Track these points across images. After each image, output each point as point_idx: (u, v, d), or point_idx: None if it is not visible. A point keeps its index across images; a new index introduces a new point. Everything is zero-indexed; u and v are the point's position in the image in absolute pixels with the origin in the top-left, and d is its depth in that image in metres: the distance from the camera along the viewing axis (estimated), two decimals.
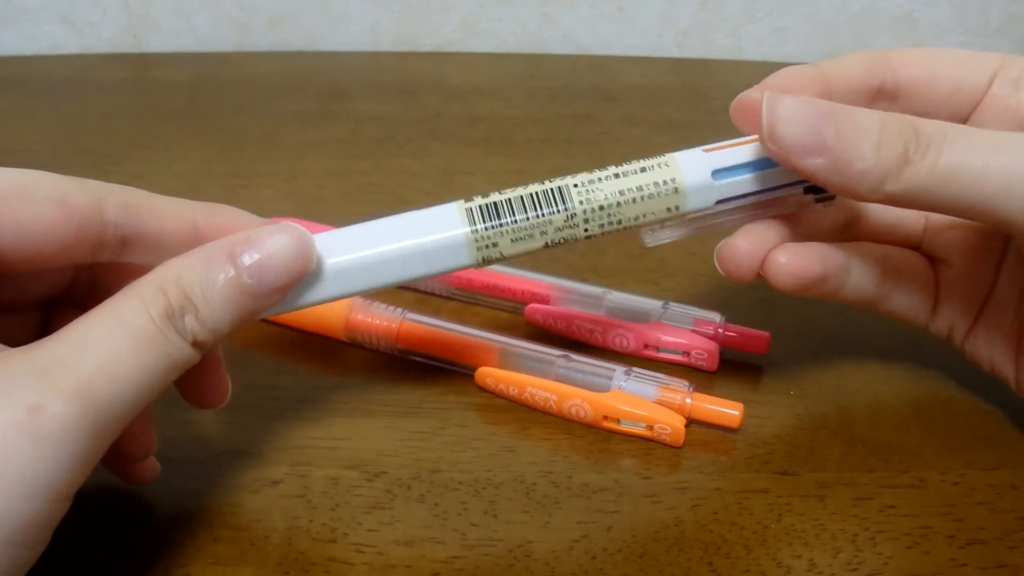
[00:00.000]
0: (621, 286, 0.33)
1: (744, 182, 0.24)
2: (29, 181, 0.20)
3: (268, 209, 0.34)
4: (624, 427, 0.28)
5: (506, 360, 0.30)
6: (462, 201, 0.24)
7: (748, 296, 0.33)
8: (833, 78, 0.25)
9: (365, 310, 0.31)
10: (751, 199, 0.25)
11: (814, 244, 0.26)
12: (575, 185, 0.24)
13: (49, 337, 0.19)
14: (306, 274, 0.22)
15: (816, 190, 0.25)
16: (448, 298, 0.34)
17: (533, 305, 0.33)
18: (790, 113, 0.23)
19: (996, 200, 0.22)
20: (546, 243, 0.24)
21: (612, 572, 0.24)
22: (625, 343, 0.31)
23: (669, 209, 0.24)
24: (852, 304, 0.27)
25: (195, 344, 0.20)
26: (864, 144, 0.22)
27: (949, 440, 0.28)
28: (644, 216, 0.24)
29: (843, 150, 0.22)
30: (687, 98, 0.52)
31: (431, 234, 0.23)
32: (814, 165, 0.23)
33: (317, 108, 0.50)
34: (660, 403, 0.28)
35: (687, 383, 0.28)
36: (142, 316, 0.19)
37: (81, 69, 0.55)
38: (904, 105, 0.26)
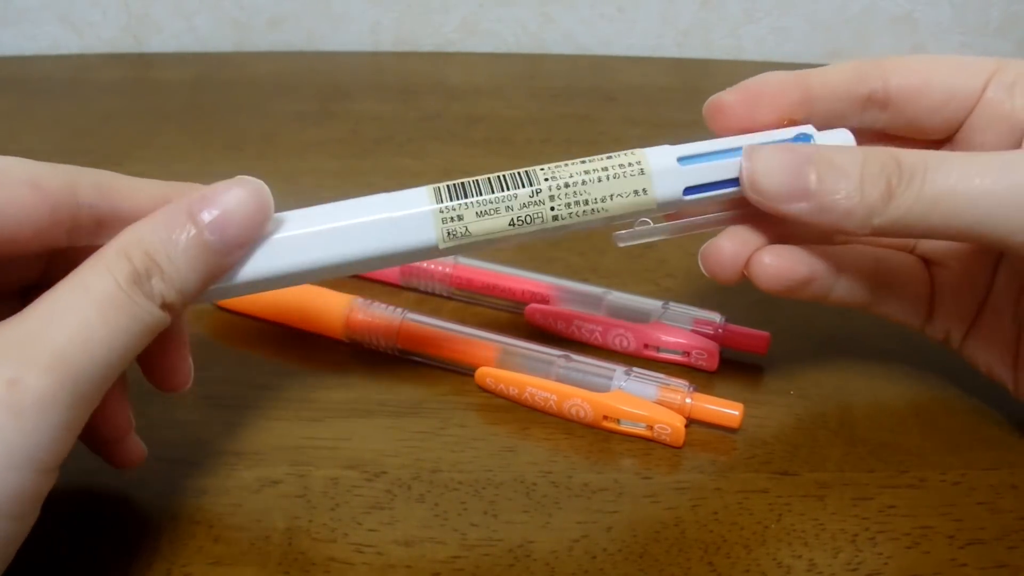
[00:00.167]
0: (621, 286, 0.33)
1: (711, 168, 0.24)
2: (0, 166, 0.21)
3: None
4: (624, 427, 0.28)
5: (506, 360, 0.30)
6: (432, 185, 0.24)
7: (748, 296, 0.33)
8: (815, 86, 0.25)
9: (365, 310, 0.31)
10: (722, 191, 0.24)
11: (801, 247, 0.26)
12: (541, 169, 0.24)
13: (19, 313, 0.19)
14: (266, 223, 0.22)
15: None
16: (448, 298, 0.34)
17: (533, 305, 0.33)
18: (769, 162, 0.23)
19: (985, 222, 0.22)
20: (512, 220, 0.23)
21: (612, 572, 0.24)
22: (625, 343, 0.31)
23: (636, 192, 0.24)
24: (847, 307, 0.27)
25: (164, 306, 0.21)
26: (847, 184, 0.23)
27: (949, 440, 0.28)
28: (612, 197, 0.24)
29: (825, 192, 0.23)
30: (687, 98, 0.51)
31: (396, 210, 0.23)
32: (799, 210, 0.23)
33: (317, 108, 0.50)
34: (660, 403, 0.28)
35: (687, 383, 0.28)
36: (108, 282, 0.20)
37: (81, 69, 0.55)
38: (895, 113, 0.26)
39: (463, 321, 0.31)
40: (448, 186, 0.24)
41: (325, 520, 0.25)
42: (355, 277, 0.35)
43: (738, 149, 0.24)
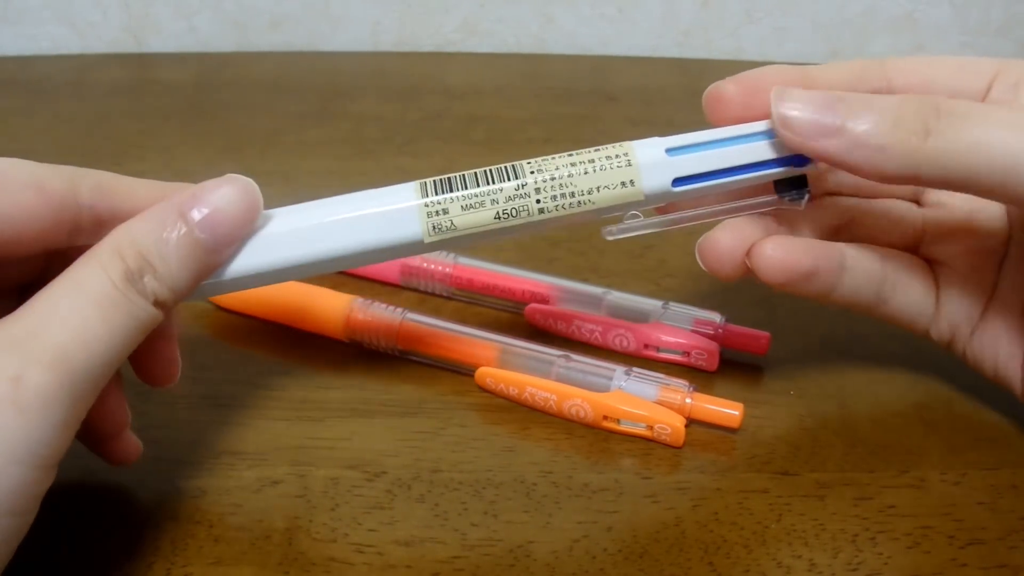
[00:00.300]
0: (621, 286, 0.33)
1: (701, 158, 0.24)
2: (4, 168, 0.21)
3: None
4: (624, 427, 0.28)
5: (506, 360, 0.30)
6: (419, 180, 0.24)
7: (748, 296, 0.33)
8: (818, 80, 0.25)
9: (365, 310, 0.31)
10: (713, 181, 0.24)
11: (805, 239, 0.25)
12: (528, 163, 0.24)
13: (18, 310, 0.20)
14: (256, 220, 0.22)
15: (786, 186, 0.25)
16: (448, 298, 0.34)
17: (533, 305, 0.33)
18: (801, 98, 0.23)
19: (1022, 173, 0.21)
20: (497, 213, 0.23)
21: (612, 572, 0.24)
22: (625, 343, 0.31)
23: (624, 183, 0.23)
24: (851, 308, 0.27)
25: (157, 304, 0.21)
26: (882, 118, 0.22)
27: (949, 440, 0.28)
28: (598, 189, 0.23)
29: (860, 128, 0.22)
30: (687, 98, 0.51)
31: (382, 205, 0.23)
32: (832, 146, 0.22)
33: (317, 108, 0.50)
34: (660, 403, 0.28)
35: (687, 383, 0.28)
36: (104, 281, 0.20)
37: (81, 69, 0.55)
38: None
39: (463, 321, 0.31)
40: (434, 181, 0.24)
41: (325, 520, 0.25)
42: (355, 277, 0.35)
43: (727, 139, 0.24)
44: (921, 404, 0.29)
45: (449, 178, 0.24)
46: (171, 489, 0.26)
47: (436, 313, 0.32)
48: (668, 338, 0.31)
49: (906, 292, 0.27)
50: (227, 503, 0.25)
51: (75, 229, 0.22)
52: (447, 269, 0.34)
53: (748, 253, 0.25)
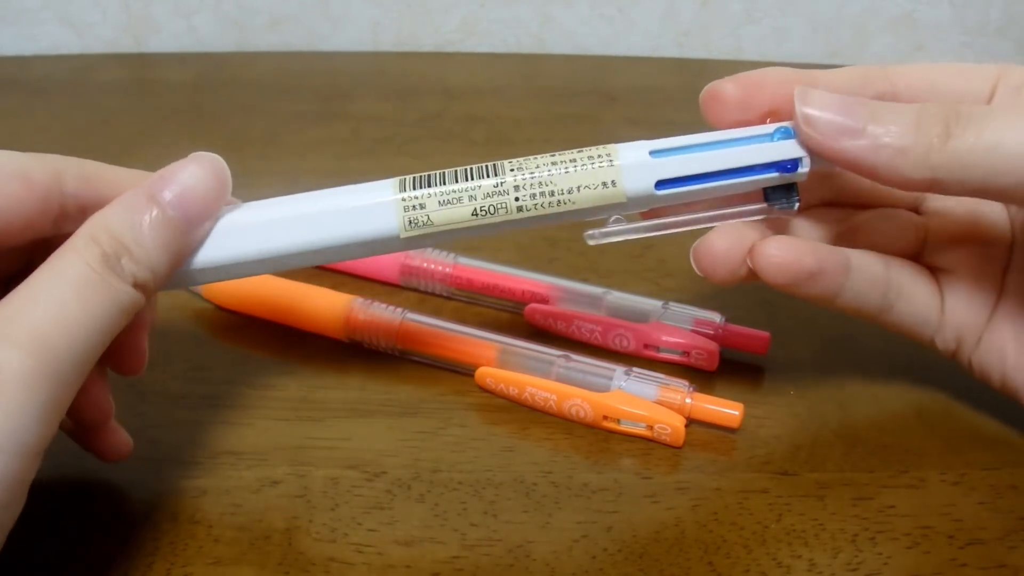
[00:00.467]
0: (621, 286, 0.33)
1: (685, 161, 0.23)
2: None
3: None
4: (624, 427, 0.28)
5: (506, 360, 0.30)
6: (399, 177, 0.24)
7: (748, 296, 0.33)
8: (823, 84, 0.24)
9: (365, 310, 0.31)
10: (696, 185, 0.24)
11: (808, 240, 0.25)
12: (509, 162, 0.24)
13: None
14: (226, 196, 0.23)
15: (776, 194, 0.24)
16: (448, 298, 0.34)
17: (533, 305, 0.33)
18: (824, 99, 0.23)
19: None
20: (474, 210, 0.23)
21: (612, 572, 0.24)
22: (625, 343, 0.31)
23: (605, 184, 0.23)
24: (856, 314, 0.26)
25: (137, 286, 0.21)
26: (903, 120, 0.22)
27: (949, 440, 0.28)
28: (579, 188, 0.23)
29: (882, 129, 0.22)
30: (687, 98, 0.51)
31: (360, 199, 0.24)
32: (854, 147, 0.22)
33: (317, 108, 0.50)
34: (660, 403, 0.28)
35: (687, 383, 0.28)
36: (80, 266, 0.20)
37: (81, 69, 0.55)
38: None
39: (463, 321, 0.31)
40: (413, 177, 0.24)
41: (325, 520, 0.25)
42: (355, 277, 0.35)
43: (713, 143, 0.24)
44: (921, 404, 0.29)
45: (429, 175, 0.24)
46: (170, 489, 0.26)
47: (436, 313, 0.32)
48: (668, 338, 0.31)
49: (910, 299, 0.27)
50: (227, 503, 0.25)
51: (61, 218, 0.22)
52: (447, 269, 0.34)
53: (750, 253, 0.25)
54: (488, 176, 0.23)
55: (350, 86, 0.53)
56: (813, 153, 0.23)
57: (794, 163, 0.23)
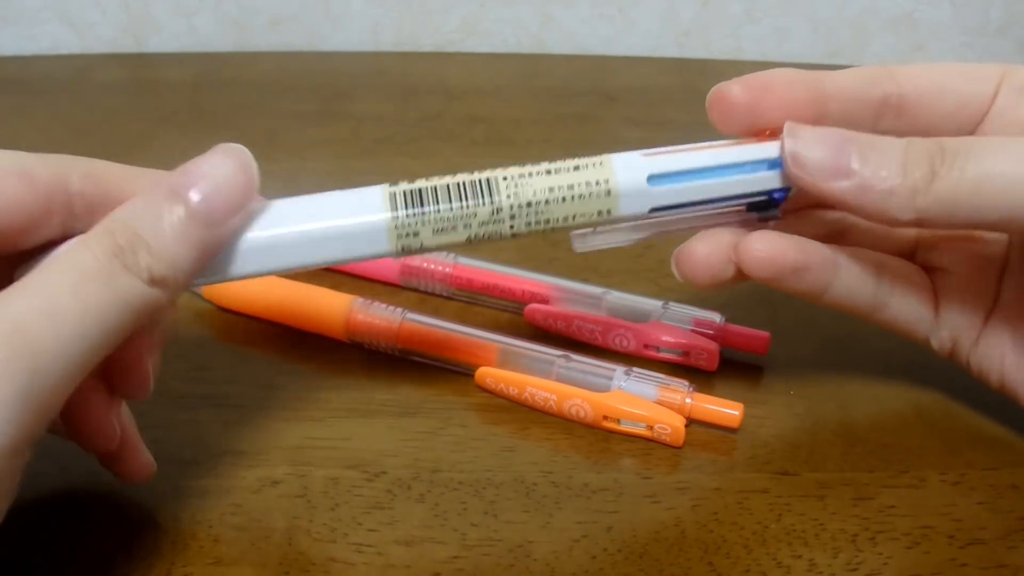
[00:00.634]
0: (621, 286, 0.33)
1: (681, 191, 0.23)
2: None
3: None
4: (624, 427, 0.28)
5: (506, 360, 0.30)
6: (387, 185, 0.23)
7: (748, 296, 0.33)
8: (827, 85, 0.24)
9: (365, 310, 0.31)
10: (687, 211, 0.24)
11: (794, 236, 0.25)
12: (504, 178, 0.23)
13: None
14: (254, 189, 0.21)
15: (760, 207, 0.24)
16: (448, 298, 0.34)
17: (533, 305, 0.33)
18: (813, 137, 0.23)
19: None
20: (469, 237, 0.23)
21: (612, 572, 0.24)
22: (625, 343, 0.31)
23: (600, 213, 0.23)
24: (848, 312, 0.26)
25: (155, 282, 0.20)
26: (889, 163, 0.22)
27: (949, 440, 0.28)
28: (573, 218, 0.23)
29: (869, 171, 0.22)
30: (687, 98, 0.52)
31: (351, 217, 0.23)
32: (841, 188, 0.22)
33: (317, 108, 0.50)
34: (660, 403, 0.28)
35: (687, 383, 0.28)
36: (83, 255, 0.19)
37: (81, 69, 0.55)
38: (910, 119, 0.25)
39: (463, 321, 0.31)
40: (404, 192, 0.23)
41: (325, 520, 0.25)
42: (355, 277, 0.35)
43: (712, 169, 0.23)
44: (921, 404, 0.29)
45: (420, 191, 0.23)
46: (171, 489, 0.26)
47: (436, 313, 0.32)
48: (668, 338, 0.31)
49: (904, 297, 0.27)
50: (227, 503, 0.25)
51: (68, 218, 0.21)
52: (447, 269, 0.34)
53: (735, 249, 0.25)
54: (483, 199, 0.23)
55: (350, 86, 0.53)
56: (802, 190, 0.24)
57: (783, 192, 0.24)
